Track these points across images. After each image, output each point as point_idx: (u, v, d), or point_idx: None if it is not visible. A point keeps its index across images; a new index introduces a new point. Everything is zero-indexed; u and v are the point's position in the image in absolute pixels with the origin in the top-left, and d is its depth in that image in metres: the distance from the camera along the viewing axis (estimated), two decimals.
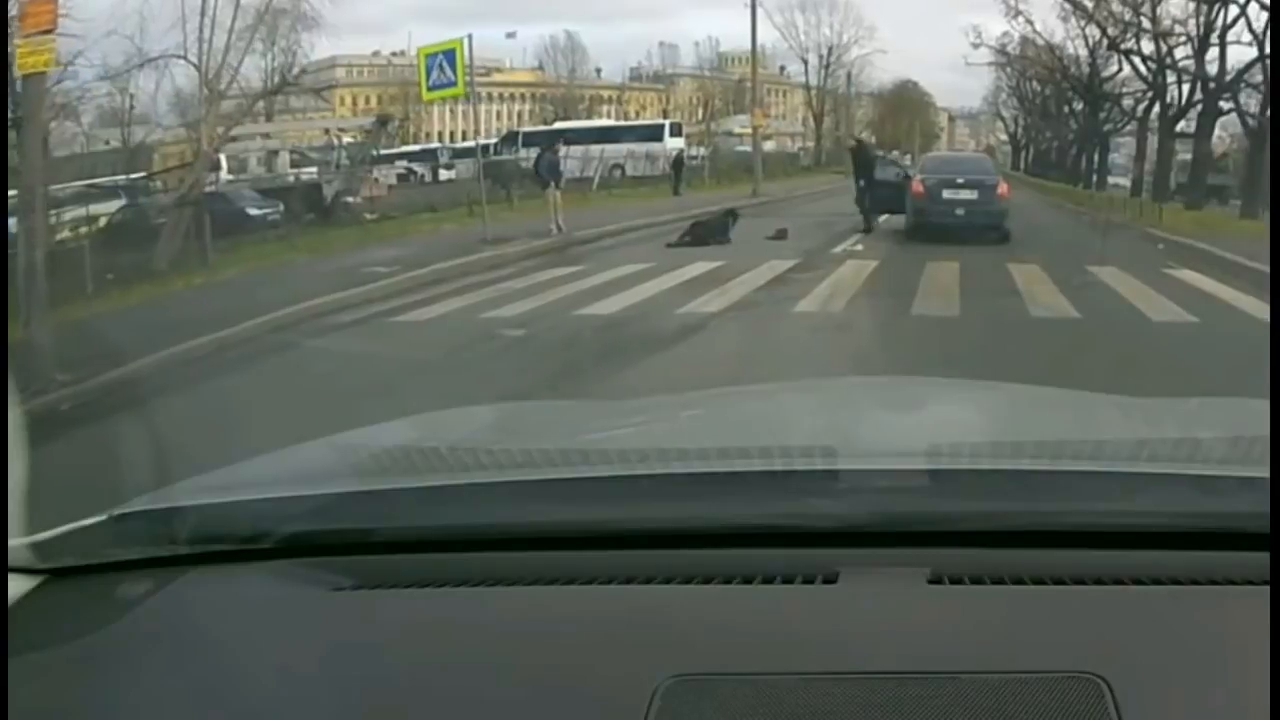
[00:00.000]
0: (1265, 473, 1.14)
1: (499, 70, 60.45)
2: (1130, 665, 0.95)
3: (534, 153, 34.70)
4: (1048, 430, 1.72)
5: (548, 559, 1.17)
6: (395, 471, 1.48)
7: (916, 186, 18.05)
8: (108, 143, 32.33)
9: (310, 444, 1.71)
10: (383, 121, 31.94)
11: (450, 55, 18.23)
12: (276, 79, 26.51)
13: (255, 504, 1.30)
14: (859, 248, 16.53)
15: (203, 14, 16.92)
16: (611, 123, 47.15)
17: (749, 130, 38.83)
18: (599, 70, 62.98)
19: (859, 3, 71.40)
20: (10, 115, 9.77)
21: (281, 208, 21.53)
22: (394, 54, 53.84)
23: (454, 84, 18.45)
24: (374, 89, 55.68)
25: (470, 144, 36.49)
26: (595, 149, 34.97)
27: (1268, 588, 1.02)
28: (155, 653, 1.10)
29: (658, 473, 1.35)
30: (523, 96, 60.98)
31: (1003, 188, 17.97)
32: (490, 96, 58.78)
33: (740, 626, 1.05)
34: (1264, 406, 1.61)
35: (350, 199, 24.10)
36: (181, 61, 17.44)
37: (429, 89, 18.94)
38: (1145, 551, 1.12)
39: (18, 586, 1.20)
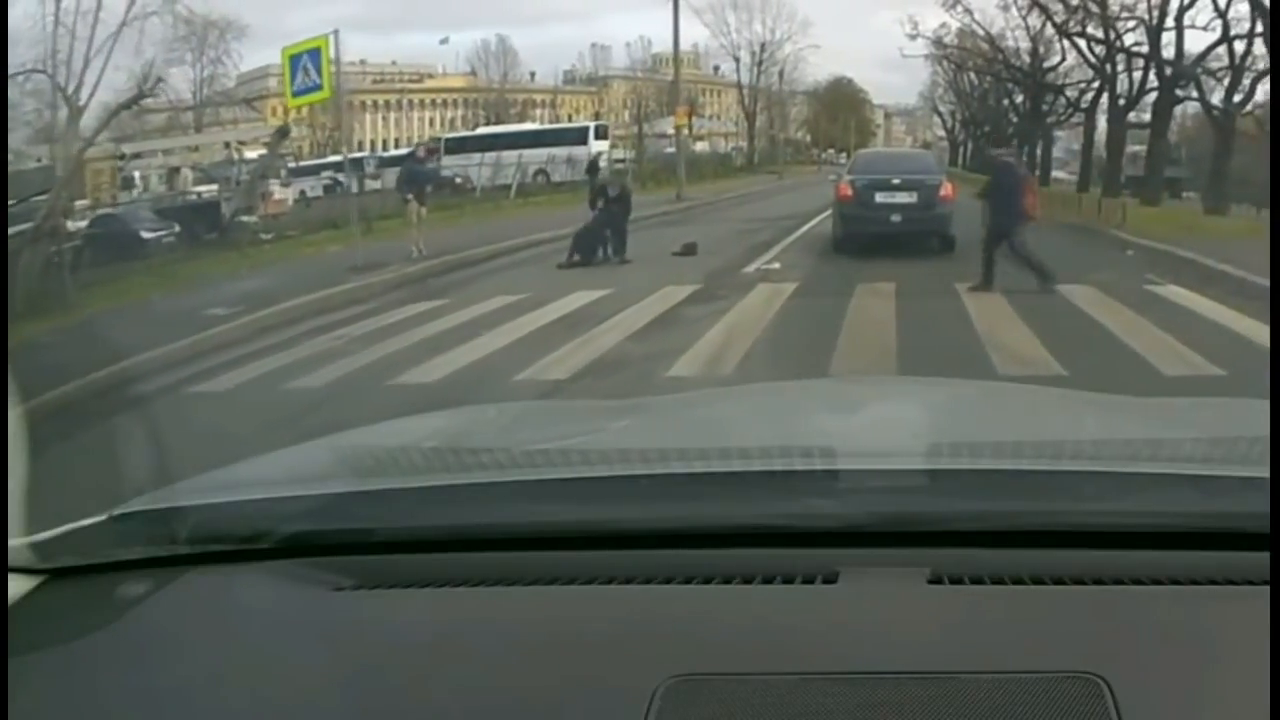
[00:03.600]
0: (1265, 473, 1.14)
1: (431, 76, 58.98)
2: (1130, 665, 0.94)
3: (458, 161, 33.10)
4: (1047, 430, 1.72)
5: (548, 559, 1.16)
6: (395, 471, 1.48)
7: (844, 189, 15.54)
8: (39, 160, 30.32)
9: (310, 444, 1.80)
10: (283, 133, 30.28)
11: (315, 55, 15.99)
12: (206, 91, 24.56)
13: (255, 504, 1.31)
14: (775, 266, 14.31)
15: (56, 24, 15.39)
16: (534, 126, 45.22)
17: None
18: (533, 74, 61.34)
19: None
20: None
21: (177, 229, 20.73)
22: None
23: (320, 87, 16.20)
24: None
25: (399, 151, 34.72)
26: (514, 154, 33.13)
27: (1268, 588, 1.02)
28: (155, 653, 1.10)
29: (658, 473, 1.34)
30: (455, 103, 59.21)
31: (946, 188, 15.27)
32: (422, 103, 57.33)
33: (740, 626, 1.05)
34: (1264, 406, 1.63)
35: (246, 217, 22.68)
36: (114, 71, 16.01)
37: (293, 94, 16.74)
38: (1145, 551, 1.11)
39: (18, 586, 1.19)
